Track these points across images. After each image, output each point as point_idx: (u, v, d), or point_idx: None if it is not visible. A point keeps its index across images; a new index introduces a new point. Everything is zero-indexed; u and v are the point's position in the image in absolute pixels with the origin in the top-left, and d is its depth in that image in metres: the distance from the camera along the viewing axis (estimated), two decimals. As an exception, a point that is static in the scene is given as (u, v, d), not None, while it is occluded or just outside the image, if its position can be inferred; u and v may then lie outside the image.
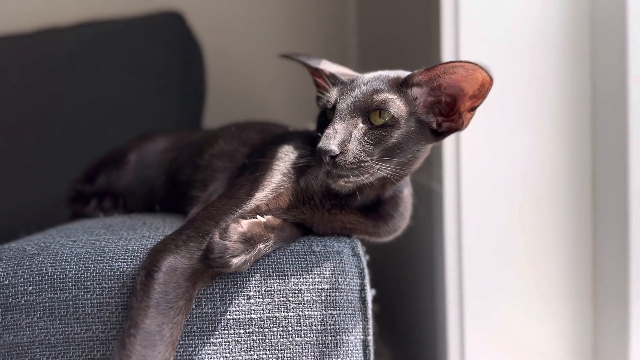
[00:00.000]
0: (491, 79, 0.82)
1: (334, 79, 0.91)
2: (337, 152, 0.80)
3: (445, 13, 1.13)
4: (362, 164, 0.82)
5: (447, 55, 1.12)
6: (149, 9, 1.75)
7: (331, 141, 0.81)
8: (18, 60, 1.65)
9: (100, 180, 1.14)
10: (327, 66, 0.93)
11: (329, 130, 0.82)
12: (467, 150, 1.15)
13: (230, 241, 0.78)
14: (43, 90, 1.62)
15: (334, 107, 0.86)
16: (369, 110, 0.84)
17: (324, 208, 0.89)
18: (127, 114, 1.64)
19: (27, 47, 1.67)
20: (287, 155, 0.91)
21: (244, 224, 0.81)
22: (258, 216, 0.84)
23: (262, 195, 0.86)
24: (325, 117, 0.88)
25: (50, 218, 1.23)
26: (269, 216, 0.85)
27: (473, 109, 0.87)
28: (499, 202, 1.16)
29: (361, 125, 0.84)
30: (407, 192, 0.95)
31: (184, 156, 1.07)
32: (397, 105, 0.84)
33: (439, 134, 0.88)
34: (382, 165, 0.83)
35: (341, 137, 0.82)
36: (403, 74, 0.88)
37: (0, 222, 1.44)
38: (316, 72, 0.94)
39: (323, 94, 0.90)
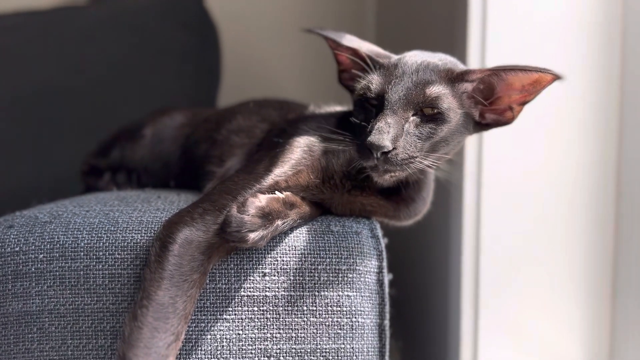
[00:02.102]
0: (553, 77, 0.80)
1: (371, 61, 0.86)
2: (390, 148, 0.77)
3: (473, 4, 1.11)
4: (413, 160, 0.80)
5: (473, 37, 1.10)
6: (168, -10, 1.74)
7: (384, 136, 0.77)
8: (36, 36, 1.64)
9: (114, 154, 1.12)
10: (354, 43, 0.89)
11: (380, 124, 0.78)
12: (489, 143, 1.12)
13: (248, 215, 0.76)
14: (59, 67, 1.61)
15: (378, 96, 0.82)
16: (421, 105, 0.80)
17: (344, 188, 0.87)
18: (141, 93, 1.63)
19: (45, 23, 1.66)
20: (310, 134, 0.88)
21: (263, 199, 0.78)
22: (277, 192, 0.82)
23: (282, 171, 0.84)
24: (365, 103, 0.84)
25: (63, 192, 1.21)
26: (288, 192, 0.83)
27: (523, 104, 0.84)
28: (519, 197, 1.14)
29: (412, 118, 0.80)
30: (431, 176, 0.92)
31: (201, 131, 1.05)
32: (449, 101, 0.81)
33: (483, 126, 0.86)
34: (427, 159, 0.81)
35: (394, 132, 0.78)
36: (452, 64, 0.85)
37: (14, 195, 1.42)
38: (339, 49, 0.90)
39: (361, 77, 0.86)
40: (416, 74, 0.82)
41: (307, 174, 0.85)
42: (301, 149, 0.86)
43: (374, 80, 0.83)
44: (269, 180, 0.83)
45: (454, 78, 0.82)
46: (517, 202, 1.14)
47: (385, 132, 0.77)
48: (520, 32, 1.12)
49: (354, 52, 0.88)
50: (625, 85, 1.13)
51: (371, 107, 0.83)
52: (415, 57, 0.85)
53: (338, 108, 0.97)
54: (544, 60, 1.11)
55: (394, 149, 0.78)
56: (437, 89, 0.81)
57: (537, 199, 1.15)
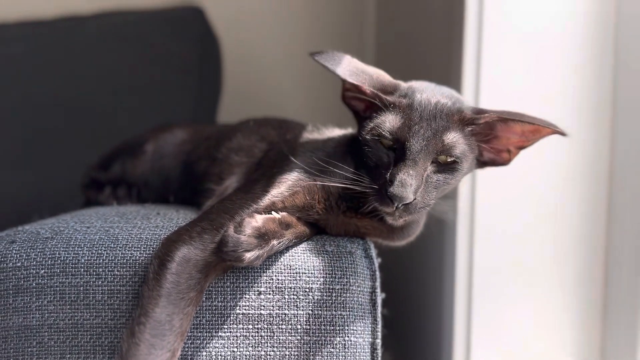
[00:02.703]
0: (555, 131, 0.83)
1: (378, 98, 0.86)
2: (412, 200, 0.80)
3: (469, 22, 1.13)
4: (428, 206, 0.83)
5: (468, 62, 1.12)
6: (170, 2, 1.76)
7: (408, 189, 0.79)
8: (38, 47, 1.66)
9: (115, 168, 1.14)
10: (358, 78, 0.86)
11: (403, 176, 0.79)
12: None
13: (245, 235, 0.78)
14: (61, 77, 1.63)
15: (396, 141, 0.82)
16: (439, 154, 0.82)
17: (339, 209, 0.88)
18: (142, 105, 1.65)
19: (48, 33, 1.69)
20: (307, 154, 0.90)
21: (259, 219, 0.80)
22: (273, 212, 0.84)
23: (278, 192, 0.86)
24: (379, 144, 0.84)
25: (64, 203, 1.23)
26: (284, 213, 0.85)
27: (520, 148, 0.87)
28: (512, 210, 1.16)
29: (430, 167, 0.82)
30: None
31: (201, 148, 1.07)
32: (462, 147, 0.83)
33: (480, 163, 0.89)
34: (436, 200, 0.84)
35: (417, 184, 0.80)
36: (459, 102, 0.86)
37: (15, 206, 1.45)
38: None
39: (373, 116, 0.85)
40: (434, 120, 0.83)
41: (303, 195, 0.86)
42: (298, 170, 0.88)
43: (390, 122, 0.84)
44: (266, 200, 0.85)
45: (465, 121, 0.84)
46: (509, 214, 1.16)
47: (408, 185, 0.79)
48: (514, 53, 1.14)
49: (359, 88, 0.87)
50: (618, 92, 1.16)
51: (386, 148, 0.84)
52: (427, 95, 0.85)
53: (337, 131, 0.99)
54: (538, 69, 1.14)
55: (415, 199, 0.80)
56: (453, 137, 0.82)
57: (528, 211, 1.17)
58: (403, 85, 0.88)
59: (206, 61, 1.72)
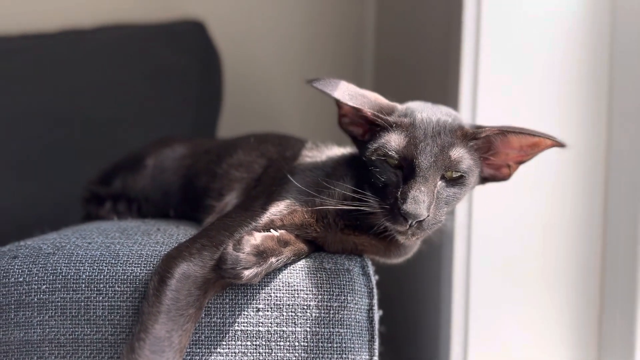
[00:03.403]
0: (553, 144, 0.85)
1: (382, 120, 0.86)
2: (426, 217, 0.80)
3: (466, 33, 1.15)
4: (440, 223, 0.84)
5: (465, 73, 1.14)
6: (171, 17, 1.78)
7: (421, 206, 0.79)
8: (40, 59, 1.67)
9: (116, 183, 1.15)
10: (357, 100, 0.87)
11: (415, 193, 0.80)
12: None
13: (243, 253, 0.79)
14: (62, 90, 1.64)
15: (404, 159, 0.83)
16: (447, 170, 0.83)
17: (337, 227, 0.90)
18: (143, 118, 1.66)
19: (49, 46, 1.70)
20: (306, 172, 0.91)
21: (258, 237, 0.81)
22: (272, 230, 0.85)
23: (277, 210, 0.87)
24: (385, 164, 0.84)
25: (64, 216, 1.24)
26: (282, 231, 0.86)
27: (520, 163, 0.89)
28: (509, 216, 1.17)
29: (439, 183, 0.83)
30: None
31: (202, 163, 1.08)
32: (468, 162, 0.84)
33: (481, 179, 0.90)
34: (445, 216, 0.85)
35: (429, 200, 0.81)
36: (459, 119, 0.88)
37: (15, 219, 1.46)
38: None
39: (376, 137, 0.86)
40: (439, 137, 0.84)
41: (302, 213, 0.88)
42: (297, 188, 0.89)
43: (395, 142, 0.84)
44: (265, 218, 0.86)
45: (467, 137, 0.85)
46: (506, 227, 1.17)
47: (421, 202, 0.80)
48: (511, 69, 1.16)
49: (358, 111, 0.88)
50: (614, 104, 1.17)
51: (392, 167, 0.84)
52: (427, 114, 0.86)
53: (335, 149, 1.00)
54: (533, 97, 1.16)
55: (428, 215, 0.81)
56: (459, 152, 0.84)
57: (524, 224, 1.18)
58: (400, 106, 0.90)
59: (207, 75, 1.73)
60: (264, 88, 1.91)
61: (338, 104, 0.91)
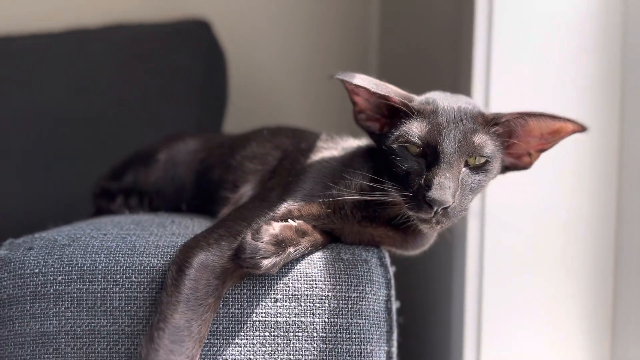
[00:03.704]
0: (573, 129, 0.84)
1: (407, 107, 0.85)
2: (451, 203, 0.78)
3: (478, 29, 1.14)
4: (465, 211, 0.82)
5: (478, 67, 1.13)
6: (177, 16, 1.78)
7: (447, 192, 0.78)
8: (46, 59, 1.67)
9: (127, 177, 1.14)
10: (374, 81, 0.86)
11: (441, 179, 0.78)
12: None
13: (262, 242, 0.78)
14: (68, 89, 1.64)
15: (427, 145, 0.81)
16: (470, 155, 0.82)
17: (355, 219, 0.89)
18: (149, 117, 1.65)
19: (55, 46, 1.69)
20: (323, 163, 0.91)
21: (276, 227, 0.81)
22: (289, 220, 0.85)
23: (294, 200, 0.86)
24: (406, 151, 0.83)
25: (72, 214, 1.23)
26: (300, 221, 0.86)
27: (541, 151, 0.88)
28: (522, 216, 1.17)
29: (464, 169, 0.82)
30: None
31: (215, 156, 1.08)
32: (491, 147, 0.83)
33: (504, 169, 0.89)
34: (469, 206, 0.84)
35: (455, 186, 0.79)
36: (478, 107, 0.87)
37: (24, 216, 1.45)
38: (355, 91, 0.88)
39: (398, 125, 0.84)
40: (461, 123, 0.82)
41: (319, 204, 0.87)
42: (314, 179, 0.89)
43: (417, 128, 0.83)
44: (282, 208, 0.85)
45: (489, 123, 0.84)
46: (519, 221, 1.17)
47: (447, 188, 0.78)
48: (524, 58, 1.16)
49: (386, 98, 0.86)
50: (626, 107, 1.17)
51: (414, 155, 0.83)
52: (448, 102, 0.85)
53: (351, 141, 0.99)
54: (546, 87, 1.16)
55: (453, 202, 0.79)
56: (481, 138, 0.83)
57: (538, 216, 1.17)
58: (418, 97, 0.89)
59: (212, 74, 1.73)
60: (269, 87, 1.91)
61: (353, 100, 0.90)
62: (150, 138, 1.33)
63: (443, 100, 0.86)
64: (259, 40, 1.90)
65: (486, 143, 0.83)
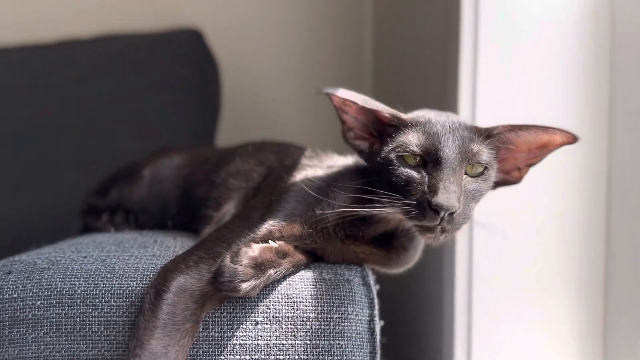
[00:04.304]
0: (562, 142, 0.83)
1: (399, 119, 0.84)
2: (458, 208, 0.76)
3: (464, 43, 1.13)
4: (468, 218, 0.80)
5: (464, 81, 1.12)
6: (169, 26, 1.77)
7: (452, 196, 0.76)
8: (39, 70, 1.67)
9: (113, 194, 1.14)
10: (370, 103, 0.85)
11: (444, 183, 0.77)
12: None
13: (241, 265, 0.77)
14: (61, 100, 1.64)
15: (427, 153, 0.80)
16: (470, 162, 0.81)
17: (337, 238, 0.88)
18: (142, 128, 1.65)
19: (47, 57, 1.69)
20: (306, 182, 0.90)
21: (256, 249, 0.80)
22: (270, 241, 0.84)
23: (276, 220, 0.85)
24: (404, 161, 0.82)
25: (62, 228, 1.23)
26: (281, 242, 0.85)
27: (530, 166, 0.87)
28: (511, 227, 1.16)
29: (464, 176, 0.81)
30: None
31: (200, 172, 1.07)
32: (489, 155, 0.83)
33: (494, 184, 0.87)
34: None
35: (459, 191, 0.78)
36: (469, 121, 0.87)
37: (14, 230, 1.45)
38: (343, 109, 0.87)
39: (393, 136, 0.83)
40: (457, 131, 0.82)
41: (301, 224, 0.86)
42: (296, 198, 0.88)
43: (415, 138, 0.82)
44: (263, 229, 0.84)
45: (482, 134, 0.84)
46: (508, 242, 1.16)
47: (452, 192, 0.76)
48: (510, 73, 1.15)
49: (374, 113, 0.86)
50: (614, 113, 1.16)
51: (414, 165, 0.81)
52: (438, 116, 0.85)
53: (336, 158, 0.98)
54: (532, 101, 1.14)
55: (459, 207, 0.77)
56: (478, 146, 0.82)
57: (527, 221, 1.16)
58: (406, 114, 0.87)
59: (205, 84, 1.72)
60: (262, 96, 1.90)
61: (342, 119, 0.89)
62: (143, 149, 1.33)
63: (434, 114, 0.86)
64: (252, 49, 1.90)
65: (483, 151, 0.82)
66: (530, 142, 0.85)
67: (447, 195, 0.76)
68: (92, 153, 1.60)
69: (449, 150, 0.80)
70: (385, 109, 0.85)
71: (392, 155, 0.82)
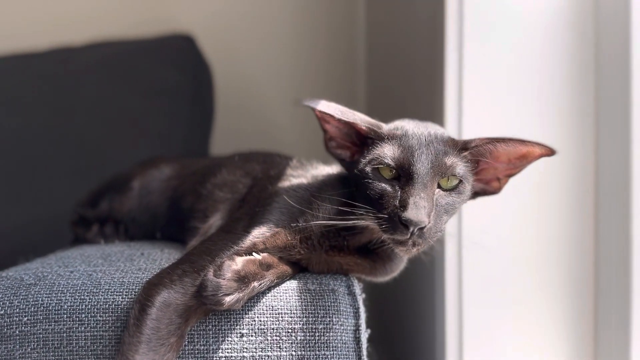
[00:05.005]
0: (540, 154, 0.84)
1: (376, 132, 0.86)
2: (427, 224, 0.78)
3: (449, 44, 1.14)
4: (440, 232, 0.81)
5: (450, 88, 1.13)
6: (161, 32, 1.77)
7: (422, 212, 0.77)
8: (31, 78, 1.67)
9: (103, 205, 1.14)
10: (348, 116, 0.87)
11: (415, 198, 0.78)
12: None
13: (224, 279, 0.78)
14: (53, 108, 1.64)
15: (400, 167, 0.82)
16: (443, 176, 0.82)
17: (322, 248, 0.88)
18: (135, 135, 1.65)
19: (39, 65, 1.70)
20: (290, 193, 0.90)
21: (239, 262, 0.80)
22: (254, 253, 0.84)
23: (259, 232, 0.86)
24: (379, 174, 0.83)
25: (54, 238, 1.24)
26: (265, 254, 0.85)
27: (509, 176, 0.88)
28: (499, 238, 1.16)
29: (437, 190, 0.82)
30: None
31: (187, 184, 1.07)
32: (463, 169, 0.83)
33: (474, 194, 0.88)
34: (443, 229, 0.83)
35: (429, 206, 0.79)
36: (447, 133, 0.87)
37: (5, 239, 1.46)
38: (324, 118, 0.89)
39: (370, 149, 0.85)
40: (432, 145, 0.83)
41: (285, 235, 0.86)
42: (280, 209, 0.88)
43: (390, 151, 0.83)
44: (247, 242, 0.85)
45: (459, 147, 0.84)
46: (498, 243, 1.16)
47: (422, 207, 0.78)
48: (496, 82, 1.14)
49: (352, 125, 0.87)
50: (600, 112, 1.16)
51: (388, 179, 0.83)
52: (417, 128, 0.86)
53: (321, 168, 0.99)
54: (518, 109, 1.14)
55: (429, 223, 0.78)
56: (452, 160, 0.83)
57: (515, 223, 1.17)
58: (386, 124, 0.89)
59: (198, 90, 1.72)
60: (256, 101, 1.90)
61: (324, 128, 0.91)
62: (136, 157, 1.33)
63: (412, 126, 0.87)
64: (245, 53, 1.90)
65: (457, 164, 0.83)
66: (510, 153, 0.86)
67: (417, 212, 0.77)
68: (86, 160, 1.60)
69: (421, 165, 0.81)
70: (363, 121, 0.86)
71: (368, 168, 0.84)
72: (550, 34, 1.15)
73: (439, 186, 0.82)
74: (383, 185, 0.82)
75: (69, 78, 1.68)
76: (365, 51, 1.89)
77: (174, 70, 1.70)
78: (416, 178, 0.80)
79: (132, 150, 1.59)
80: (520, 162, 0.87)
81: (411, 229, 0.78)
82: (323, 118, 0.89)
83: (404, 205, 0.78)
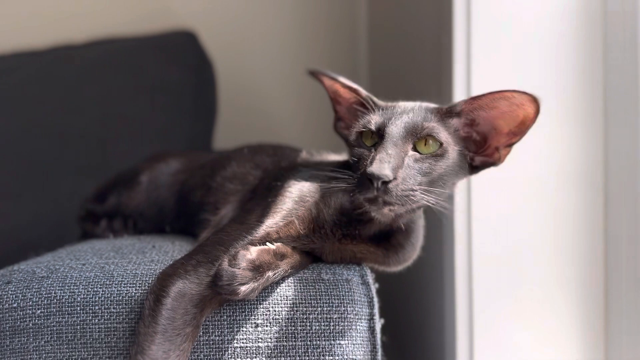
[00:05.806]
0: (535, 113, 0.82)
1: (370, 103, 0.89)
2: (391, 178, 0.78)
3: (457, 39, 1.13)
4: (412, 193, 0.80)
5: (458, 75, 1.12)
6: (163, 28, 1.77)
7: (385, 165, 0.78)
8: (33, 77, 1.67)
9: (111, 200, 1.14)
10: (355, 85, 0.93)
11: (381, 154, 0.79)
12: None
13: (239, 269, 0.77)
14: (56, 107, 1.64)
15: (378, 130, 0.84)
16: (419, 137, 0.82)
17: (335, 237, 0.88)
18: (138, 131, 1.65)
19: (42, 63, 1.69)
20: (301, 184, 0.90)
21: (253, 252, 0.80)
22: (268, 243, 0.84)
23: (273, 222, 0.86)
24: (362, 141, 0.86)
25: (61, 235, 1.23)
26: (279, 243, 0.85)
27: (510, 145, 0.87)
28: (509, 232, 1.15)
29: (411, 152, 0.82)
30: (420, 222, 0.94)
31: (196, 177, 1.07)
32: (444, 134, 0.84)
33: (474, 168, 0.88)
34: (426, 195, 0.81)
35: (395, 162, 0.79)
36: (440, 105, 0.88)
37: (12, 237, 1.45)
38: (336, 97, 0.95)
39: (360, 117, 0.89)
40: (412, 112, 0.85)
41: (298, 224, 0.86)
42: (292, 199, 0.88)
43: (374, 119, 0.86)
44: (261, 231, 0.85)
45: (443, 114, 0.85)
46: (507, 236, 1.16)
47: (385, 162, 0.78)
48: (503, 66, 1.15)
49: (355, 92, 0.92)
50: (608, 104, 1.16)
51: (369, 145, 0.85)
52: (409, 103, 0.89)
53: (331, 156, 0.99)
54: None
55: (395, 179, 0.78)
56: (432, 124, 0.83)
57: (526, 215, 1.16)
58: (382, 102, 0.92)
59: (201, 86, 1.72)
60: (259, 96, 1.90)
61: (335, 109, 0.96)
62: (140, 153, 1.33)
63: (409, 102, 0.89)
64: (248, 49, 1.90)
65: (437, 128, 0.83)
66: (510, 123, 0.84)
67: (380, 165, 0.78)
68: (89, 158, 1.60)
69: (394, 126, 0.83)
70: (365, 92, 0.91)
71: (354, 136, 0.87)
72: (559, 26, 1.15)
73: (417, 150, 0.83)
74: (362, 150, 0.85)
75: (72, 75, 1.68)
76: (367, 42, 1.89)
77: (176, 67, 1.70)
78: (387, 137, 0.82)
79: (135, 147, 1.59)
80: (519, 129, 0.84)
81: (375, 184, 0.78)
82: (335, 99, 0.95)
83: (370, 162, 0.79)
